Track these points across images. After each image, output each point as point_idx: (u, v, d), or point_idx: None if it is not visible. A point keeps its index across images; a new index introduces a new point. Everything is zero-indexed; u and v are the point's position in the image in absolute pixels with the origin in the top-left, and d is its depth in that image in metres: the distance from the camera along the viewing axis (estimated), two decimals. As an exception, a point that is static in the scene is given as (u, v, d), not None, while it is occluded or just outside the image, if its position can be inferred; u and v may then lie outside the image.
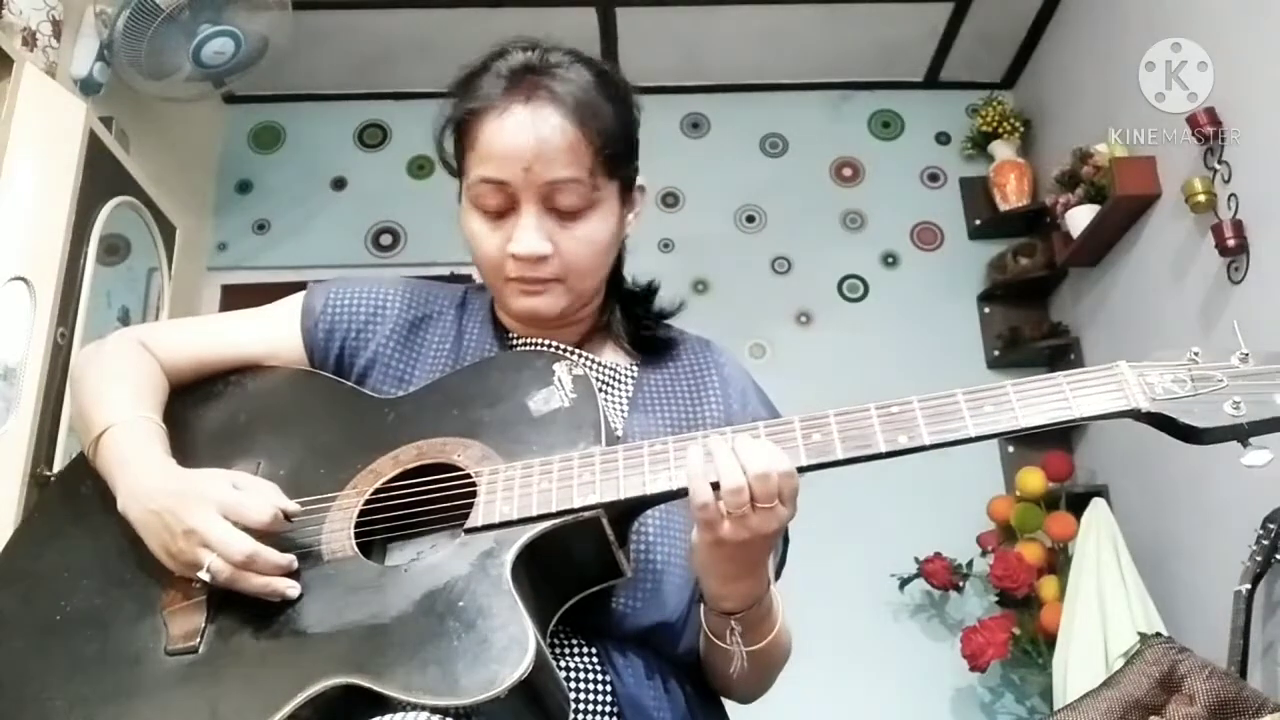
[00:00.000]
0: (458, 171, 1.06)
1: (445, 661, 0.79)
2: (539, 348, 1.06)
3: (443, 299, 1.15)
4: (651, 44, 3.51)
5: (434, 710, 0.77)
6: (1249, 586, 2.11)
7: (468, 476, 0.93)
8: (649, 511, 0.97)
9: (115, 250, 2.73)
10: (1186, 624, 2.47)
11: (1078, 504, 2.88)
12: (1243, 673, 2.04)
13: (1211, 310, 2.46)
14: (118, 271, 2.75)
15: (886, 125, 3.74)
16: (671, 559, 0.99)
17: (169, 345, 1.11)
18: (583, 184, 1.01)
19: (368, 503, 0.95)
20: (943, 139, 3.71)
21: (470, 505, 0.90)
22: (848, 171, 3.68)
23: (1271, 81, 2.24)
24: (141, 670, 0.89)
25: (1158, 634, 2.24)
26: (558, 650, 0.95)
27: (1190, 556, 2.58)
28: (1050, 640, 2.71)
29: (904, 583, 3.04)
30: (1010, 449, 3.21)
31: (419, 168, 3.62)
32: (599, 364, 1.10)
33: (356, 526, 0.94)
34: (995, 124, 3.48)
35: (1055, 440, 3.12)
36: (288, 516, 0.92)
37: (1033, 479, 2.99)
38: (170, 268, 2.94)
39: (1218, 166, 2.41)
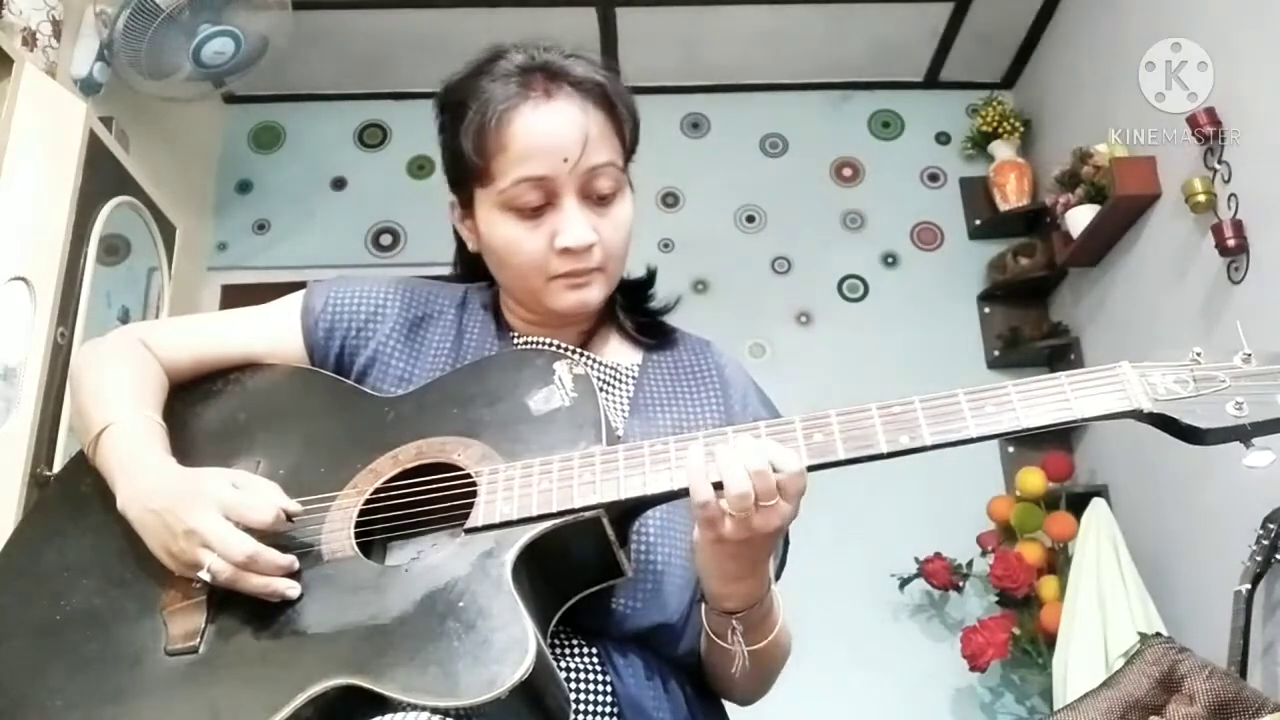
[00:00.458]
0: (477, 180, 1.03)
1: (446, 662, 0.79)
2: (539, 347, 1.06)
3: (443, 298, 1.15)
4: (651, 44, 3.50)
5: (434, 711, 0.77)
6: (1249, 586, 2.11)
7: (468, 476, 0.93)
8: (649, 512, 0.97)
9: (115, 250, 2.73)
10: (1186, 624, 2.47)
11: (1078, 504, 2.88)
12: (1243, 673, 2.04)
13: (1211, 310, 2.46)
14: (118, 271, 2.75)
15: (886, 125, 3.74)
16: (672, 560, 0.99)
17: (169, 343, 1.11)
18: (616, 167, 1.03)
19: (368, 502, 0.95)
20: (943, 139, 3.71)
21: (470, 505, 0.90)
22: (848, 171, 3.68)
23: (1271, 81, 2.24)
24: (141, 670, 0.88)
25: (1158, 634, 2.24)
26: (558, 650, 0.95)
27: (1190, 556, 2.58)
28: (1050, 640, 2.71)
29: (904, 583, 3.04)
30: (1010, 449, 3.21)
31: (419, 168, 3.62)
32: (600, 364, 1.10)
33: (356, 526, 0.93)
34: (995, 124, 3.48)
35: (1055, 440, 3.12)
36: (289, 516, 0.92)
37: (1033, 479, 2.99)
38: (170, 268, 2.94)
39: (1218, 166, 2.41)
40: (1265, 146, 2.27)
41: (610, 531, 0.88)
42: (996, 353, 3.39)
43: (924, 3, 3.40)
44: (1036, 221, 3.40)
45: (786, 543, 1.08)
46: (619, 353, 1.13)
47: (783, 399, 1.15)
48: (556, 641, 0.95)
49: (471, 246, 1.10)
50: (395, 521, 0.94)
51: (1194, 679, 1.91)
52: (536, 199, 1.01)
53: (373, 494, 0.95)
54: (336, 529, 0.93)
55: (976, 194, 3.58)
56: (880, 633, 3.09)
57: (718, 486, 0.84)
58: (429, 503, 0.93)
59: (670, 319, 1.18)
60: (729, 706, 1.09)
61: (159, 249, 2.90)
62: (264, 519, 0.90)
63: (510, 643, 0.79)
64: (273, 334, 1.12)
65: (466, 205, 1.07)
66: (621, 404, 1.08)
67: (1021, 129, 3.50)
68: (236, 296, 3.37)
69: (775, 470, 0.83)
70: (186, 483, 0.94)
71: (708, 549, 0.89)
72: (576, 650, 0.96)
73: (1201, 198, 2.40)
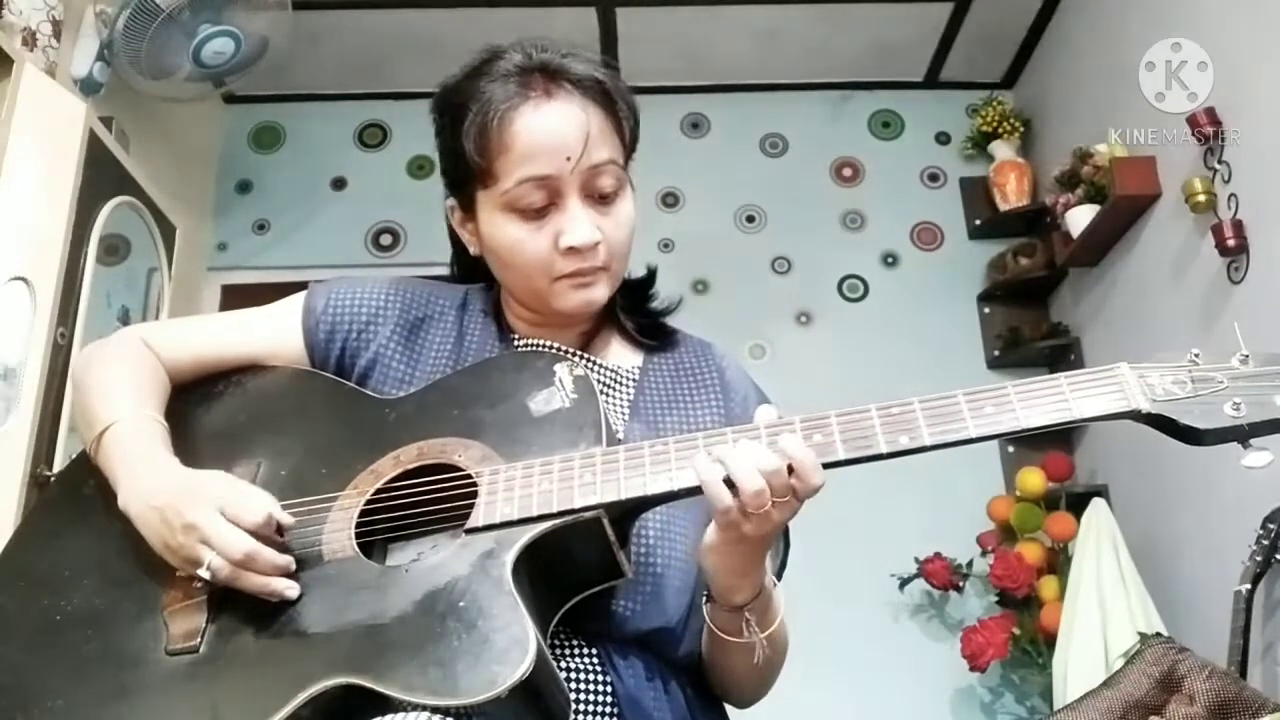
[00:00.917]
0: (479, 182, 1.03)
1: (446, 662, 0.79)
2: (540, 348, 1.06)
3: (444, 299, 1.15)
4: (651, 44, 3.51)
5: (434, 710, 0.77)
6: (1249, 586, 2.11)
7: (468, 477, 0.93)
8: (648, 515, 0.97)
9: (115, 250, 2.73)
10: (1186, 624, 2.47)
11: (1078, 504, 2.88)
12: (1243, 673, 2.04)
13: (1211, 310, 2.46)
14: (118, 271, 2.75)
15: (886, 125, 3.74)
16: (672, 562, 0.99)
17: (170, 344, 1.11)
18: (617, 165, 1.04)
19: (368, 503, 0.95)
20: (943, 139, 3.71)
21: (471, 505, 0.90)
22: (848, 171, 3.68)
23: (1271, 81, 2.24)
24: (142, 670, 0.89)
25: (1158, 634, 2.24)
26: (558, 651, 0.95)
27: (1190, 556, 2.58)
28: (1050, 640, 2.71)
29: (904, 583, 3.04)
30: (1010, 449, 3.21)
31: (419, 168, 3.62)
32: (601, 367, 1.10)
33: (357, 527, 0.94)
34: (995, 124, 3.48)
35: (1055, 440, 3.12)
36: (281, 530, 0.92)
37: (1033, 479, 2.99)
38: (170, 268, 2.94)
39: (1218, 166, 2.41)
40: (1265, 146, 2.27)
41: (610, 532, 0.88)
42: (996, 353, 3.39)
43: (924, 3, 3.40)
44: (1036, 221, 3.40)
45: (788, 544, 1.08)
46: (620, 355, 1.13)
47: (783, 399, 1.15)
48: (557, 642, 0.95)
49: (472, 250, 1.10)
50: (396, 522, 0.94)
51: (1194, 679, 1.91)
52: (540, 199, 1.01)
53: (374, 495, 0.95)
54: (337, 529, 0.93)
55: (976, 194, 3.58)
56: (880, 633, 3.10)
57: (730, 486, 0.84)
58: (430, 503, 0.93)
59: (670, 319, 1.18)
60: (729, 708, 1.09)
61: (159, 249, 2.90)
62: (255, 519, 0.90)
63: (511, 642, 0.79)
64: (274, 335, 1.12)
65: (467, 208, 1.07)
66: (622, 407, 1.08)
67: (1021, 129, 3.50)
68: (236, 297, 3.38)
69: (791, 471, 0.84)
70: (187, 481, 0.94)
71: (724, 548, 0.89)
72: (577, 651, 0.96)
73: (1201, 198, 2.40)
